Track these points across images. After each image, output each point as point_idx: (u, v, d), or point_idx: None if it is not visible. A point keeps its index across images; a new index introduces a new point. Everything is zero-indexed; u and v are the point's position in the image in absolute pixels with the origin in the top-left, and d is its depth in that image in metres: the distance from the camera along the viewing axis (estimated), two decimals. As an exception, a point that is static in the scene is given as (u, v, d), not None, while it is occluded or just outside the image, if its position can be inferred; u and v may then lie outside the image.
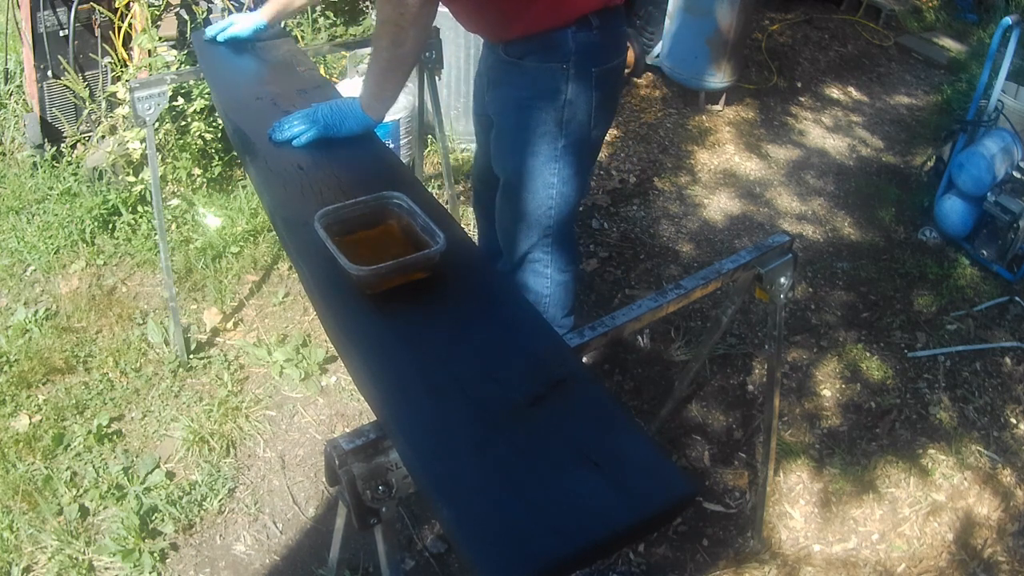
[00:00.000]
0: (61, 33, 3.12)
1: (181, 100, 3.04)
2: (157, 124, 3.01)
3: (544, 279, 2.09)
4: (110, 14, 3.09)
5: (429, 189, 2.05)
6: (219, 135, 3.12)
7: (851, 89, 4.67)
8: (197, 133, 3.05)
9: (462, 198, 3.27)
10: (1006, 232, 3.08)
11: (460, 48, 3.40)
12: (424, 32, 1.63)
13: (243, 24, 2.16)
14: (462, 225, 2.66)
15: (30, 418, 2.29)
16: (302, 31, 3.66)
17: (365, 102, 1.70)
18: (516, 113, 1.89)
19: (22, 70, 3.41)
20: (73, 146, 3.29)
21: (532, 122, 1.86)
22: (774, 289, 1.61)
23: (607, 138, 3.86)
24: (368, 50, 2.91)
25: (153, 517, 2.07)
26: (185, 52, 3.05)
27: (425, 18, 1.60)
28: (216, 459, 2.22)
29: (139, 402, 2.38)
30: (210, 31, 2.18)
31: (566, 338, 1.28)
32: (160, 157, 3.07)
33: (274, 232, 2.88)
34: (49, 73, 3.17)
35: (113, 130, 3.13)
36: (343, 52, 3.32)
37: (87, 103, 3.22)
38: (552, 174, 1.92)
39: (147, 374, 2.45)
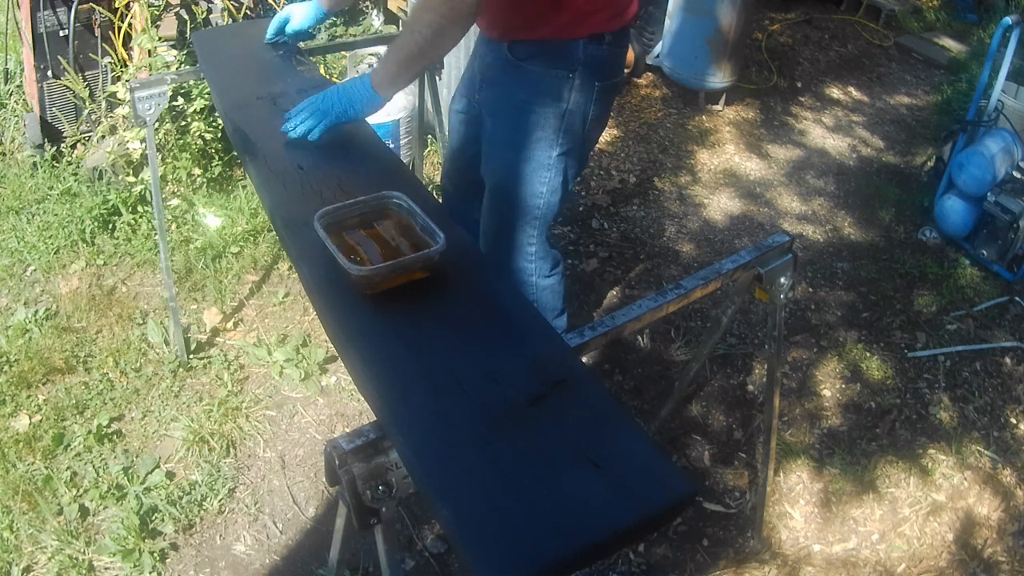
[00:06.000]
0: (61, 33, 3.12)
1: (181, 100, 3.04)
2: (157, 124, 3.01)
3: (530, 288, 2.08)
4: (110, 14, 3.09)
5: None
6: (219, 135, 3.12)
7: (851, 89, 4.67)
8: (197, 133, 3.05)
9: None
10: (1006, 232, 3.08)
11: (460, 48, 3.40)
12: (466, 30, 1.60)
13: (301, 16, 2.06)
14: (462, 225, 2.65)
15: (30, 418, 2.29)
16: (302, 31, 3.66)
17: (378, 80, 1.64)
18: (514, 116, 1.86)
19: (22, 70, 3.41)
20: (73, 146, 3.29)
21: (529, 126, 1.83)
22: (774, 289, 1.61)
23: (607, 138, 3.87)
24: (368, 50, 2.92)
25: (153, 517, 2.07)
26: (185, 52, 3.05)
27: (472, 19, 1.58)
28: (216, 459, 2.22)
29: (139, 402, 2.38)
30: (270, 33, 2.10)
31: (566, 338, 1.28)
32: (160, 157, 3.07)
33: (274, 232, 2.88)
34: (49, 73, 3.17)
35: (113, 130, 3.13)
36: (343, 52, 3.32)
37: (87, 103, 3.22)
38: (542, 183, 1.90)
39: (147, 374, 2.45)
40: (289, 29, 2.08)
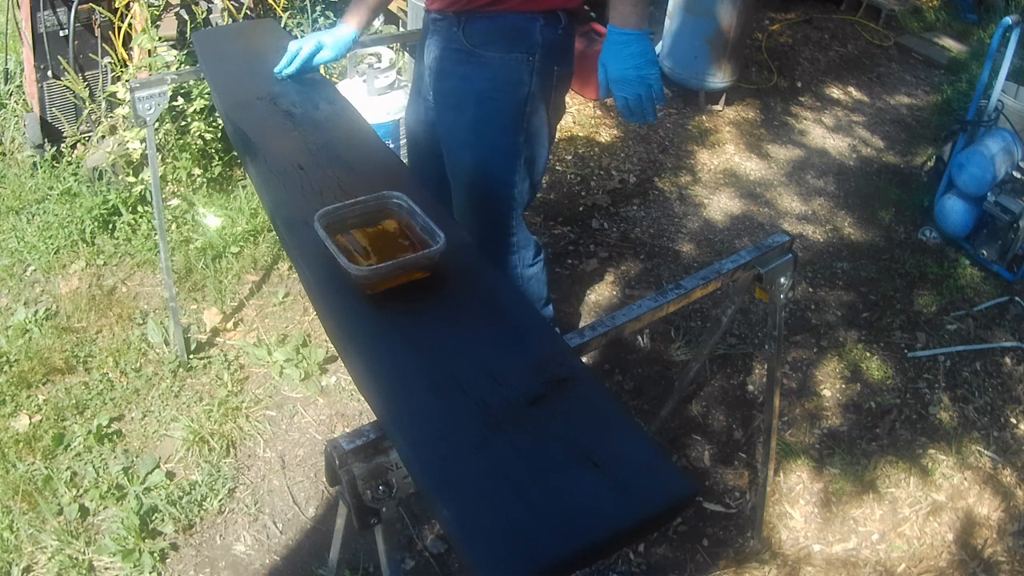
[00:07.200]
0: (61, 33, 3.12)
1: (181, 100, 3.04)
2: (157, 124, 3.01)
3: (516, 280, 2.06)
4: (110, 14, 3.09)
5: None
6: (219, 135, 3.12)
7: (851, 89, 4.67)
8: (197, 133, 3.05)
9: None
10: (1006, 232, 3.08)
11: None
12: None
13: (336, 44, 1.89)
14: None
15: (30, 418, 2.29)
16: (302, 31, 3.66)
17: (640, 18, 1.57)
18: (475, 106, 1.80)
19: (22, 70, 3.41)
20: (73, 146, 3.29)
21: (492, 115, 1.79)
22: (774, 289, 1.61)
23: (607, 138, 3.87)
24: (368, 50, 2.92)
25: (153, 517, 2.07)
26: (185, 52, 3.05)
27: None
28: (216, 459, 2.22)
29: (139, 402, 2.38)
30: (287, 67, 1.85)
31: (566, 338, 1.28)
32: (160, 157, 3.07)
33: (274, 232, 2.88)
34: (49, 73, 3.17)
35: (113, 130, 3.13)
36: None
37: (87, 103, 3.22)
38: (513, 171, 1.87)
39: (147, 374, 2.45)
40: (318, 60, 1.89)
